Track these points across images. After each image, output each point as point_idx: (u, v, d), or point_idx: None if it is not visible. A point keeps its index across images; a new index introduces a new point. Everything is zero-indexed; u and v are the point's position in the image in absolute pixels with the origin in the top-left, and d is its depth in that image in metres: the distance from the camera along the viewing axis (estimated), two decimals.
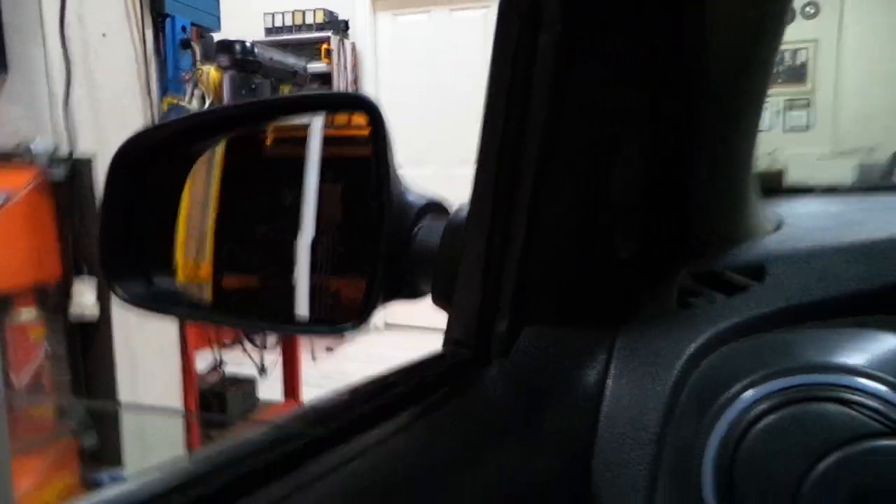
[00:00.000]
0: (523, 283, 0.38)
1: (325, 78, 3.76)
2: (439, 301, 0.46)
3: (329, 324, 0.51)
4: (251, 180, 0.60)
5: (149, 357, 1.72)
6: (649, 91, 0.36)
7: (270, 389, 2.42)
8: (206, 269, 0.56)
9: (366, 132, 0.48)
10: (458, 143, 3.95)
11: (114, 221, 0.51)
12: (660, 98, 0.37)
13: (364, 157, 0.49)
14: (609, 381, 0.34)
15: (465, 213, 0.44)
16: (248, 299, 0.59)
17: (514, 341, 0.38)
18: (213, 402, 2.06)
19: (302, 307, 0.52)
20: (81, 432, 1.53)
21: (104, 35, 1.70)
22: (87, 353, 1.57)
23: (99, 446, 1.56)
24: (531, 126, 0.36)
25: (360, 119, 0.51)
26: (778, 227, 0.45)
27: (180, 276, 0.56)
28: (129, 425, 1.63)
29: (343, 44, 3.91)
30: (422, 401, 0.35)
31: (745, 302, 0.35)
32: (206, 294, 0.57)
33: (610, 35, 0.35)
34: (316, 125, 0.52)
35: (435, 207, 0.49)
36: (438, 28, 4.12)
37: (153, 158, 0.52)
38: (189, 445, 1.86)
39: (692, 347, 0.33)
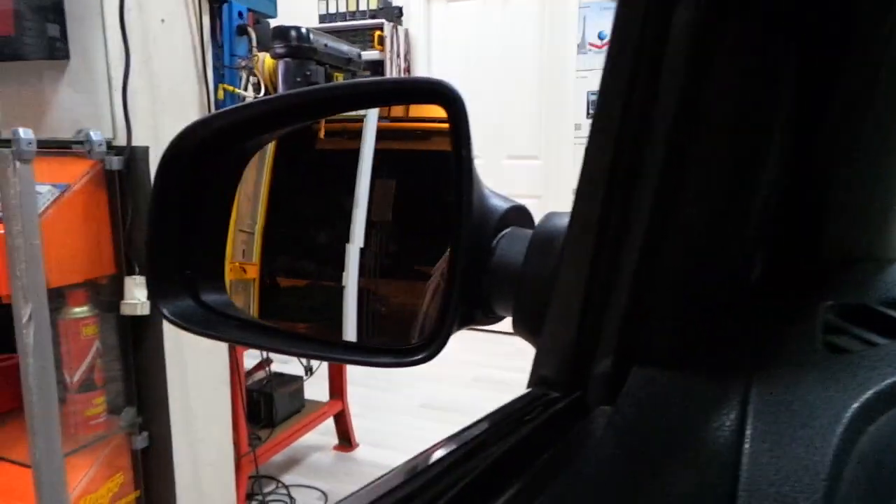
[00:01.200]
0: (636, 314, 0.31)
1: (378, 66, 3.68)
2: (522, 330, 0.38)
3: (393, 354, 0.42)
4: (304, 178, 0.53)
5: (198, 354, 1.68)
6: (800, 87, 0.30)
7: (317, 388, 2.37)
8: (252, 272, 0.49)
9: (431, 125, 0.41)
10: (509, 135, 3.85)
11: (163, 229, 0.45)
12: (812, 96, 0.30)
13: (435, 151, 0.44)
14: (746, 444, 0.27)
15: (554, 222, 0.38)
16: (297, 317, 0.51)
17: (619, 385, 0.31)
18: (261, 401, 2.02)
19: (356, 333, 0.45)
20: (133, 432, 1.50)
21: (163, 21, 1.65)
22: (138, 350, 1.53)
23: (150, 446, 1.53)
24: (658, 120, 0.29)
25: (427, 111, 0.43)
26: None
27: (229, 289, 0.49)
28: (177, 425, 1.59)
29: (396, 31, 3.83)
30: (519, 468, 0.29)
31: None
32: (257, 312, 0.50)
33: (762, 20, 0.28)
34: (371, 117, 0.45)
35: (519, 214, 0.41)
36: (492, 16, 4.00)
37: (206, 155, 0.45)
38: (237, 445, 1.82)
39: (855, 407, 0.26)
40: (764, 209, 0.32)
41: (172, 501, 1.58)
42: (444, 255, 0.43)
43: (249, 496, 2.00)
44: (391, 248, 0.46)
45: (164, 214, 0.45)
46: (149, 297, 0.47)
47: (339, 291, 0.45)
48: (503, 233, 0.40)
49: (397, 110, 0.46)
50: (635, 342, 0.32)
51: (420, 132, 0.46)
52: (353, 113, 0.46)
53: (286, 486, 2.14)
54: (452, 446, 0.31)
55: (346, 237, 0.45)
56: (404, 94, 0.44)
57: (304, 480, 2.20)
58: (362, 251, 0.44)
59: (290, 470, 2.29)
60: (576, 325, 0.33)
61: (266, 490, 2.09)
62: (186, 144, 0.44)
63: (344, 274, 0.45)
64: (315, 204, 0.51)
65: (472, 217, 0.37)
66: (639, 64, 0.29)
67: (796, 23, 0.28)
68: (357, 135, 0.46)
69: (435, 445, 0.31)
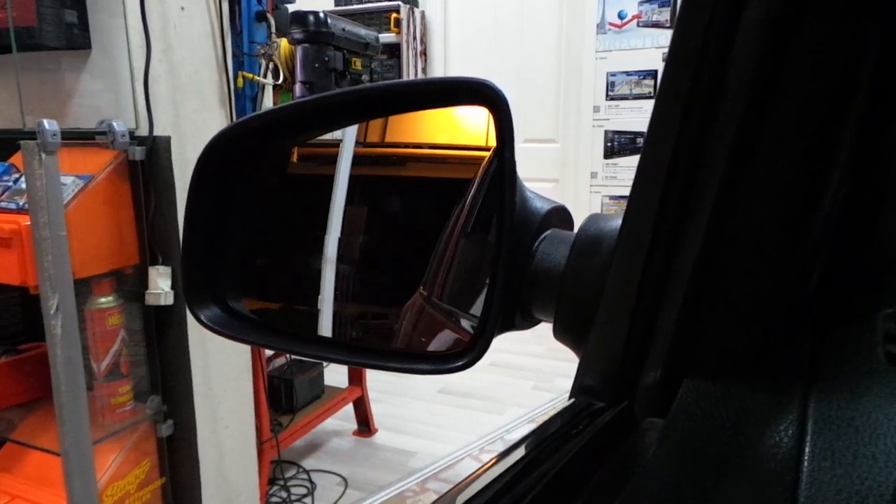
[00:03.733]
0: (689, 323, 0.30)
1: (394, 49, 3.65)
2: (564, 336, 0.37)
3: (432, 361, 0.42)
4: (274, 203, 0.52)
5: (220, 342, 1.69)
6: (874, 86, 0.28)
7: (336, 374, 2.39)
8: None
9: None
10: (526, 119, 3.80)
11: (197, 236, 0.44)
12: (885, 95, 0.29)
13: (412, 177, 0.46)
14: (806, 462, 0.26)
15: (599, 225, 0.37)
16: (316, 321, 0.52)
17: (669, 396, 0.30)
18: (282, 388, 2.04)
19: (394, 338, 0.45)
20: (159, 419, 1.52)
21: (182, 9, 1.63)
22: (163, 338, 1.54)
23: (175, 433, 1.55)
24: (721, 124, 0.28)
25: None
26: None
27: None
28: (201, 412, 1.61)
29: (413, 13, 3.79)
30: (573, 488, 0.29)
31: None
32: (277, 319, 0.51)
33: (841, 16, 0.27)
34: (348, 140, 0.45)
35: (559, 216, 0.40)
36: None
37: (235, 163, 0.45)
38: (259, 431, 1.85)
39: None
40: (828, 215, 0.30)
41: (197, 487, 1.60)
42: (428, 267, 0.42)
43: (271, 481, 2.02)
44: (371, 269, 0.46)
45: (198, 222, 0.45)
46: (186, 306, 0.48)
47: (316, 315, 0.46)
48: (544, 235, 0.39)
49: (373, 135, 0.46)
50: (687, 352, 0.31)
51: (396, 158, 0.46)
52: (329, 136, 0.45)
53: (307, 472, 2.16)
54: (503, 466, 0.30)
55: (318, 260, 0.45)
56: (448, 95, 0.43)
57: (324, 465, 2.23)
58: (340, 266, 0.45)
59: (310, 455, 2.32)
60: (625, 334, 0.32)
61: (287, 475, 2.12)
62: (218, 151, 0.44)
63: (319, 297, 0.45)
64: (286, 229, 0.51)
65: (514, 220, 0.36)
66: (702, 62, 0.28)
67: (885, 11, 0.27)
68: (330, 160, 0.45)
69: (483, 465, 0.31)
